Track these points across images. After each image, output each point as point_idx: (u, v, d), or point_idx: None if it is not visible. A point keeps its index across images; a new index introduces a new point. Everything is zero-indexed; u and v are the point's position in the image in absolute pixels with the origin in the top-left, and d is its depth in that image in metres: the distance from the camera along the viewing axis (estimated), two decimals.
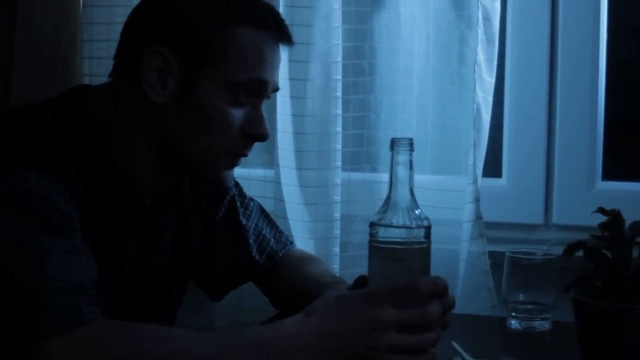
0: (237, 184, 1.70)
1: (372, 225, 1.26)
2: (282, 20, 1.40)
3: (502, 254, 1.64)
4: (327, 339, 1.17)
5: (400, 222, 1.24)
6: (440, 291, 1.22)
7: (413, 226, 1.24)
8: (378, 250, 1.25)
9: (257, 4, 1.38)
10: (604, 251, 1.24)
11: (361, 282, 1.36)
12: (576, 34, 1.99)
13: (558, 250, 1.55)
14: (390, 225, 1.24)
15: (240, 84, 1.34)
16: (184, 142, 1.35)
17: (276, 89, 1.42)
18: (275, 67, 1.39)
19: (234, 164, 1.42)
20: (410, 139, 1.27)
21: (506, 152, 2.05)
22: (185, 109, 1.33)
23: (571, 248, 1.25)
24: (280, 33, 1.39)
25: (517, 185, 2.04)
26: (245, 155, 1.42)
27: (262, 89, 1.38)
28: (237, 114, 1.35)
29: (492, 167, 2.03)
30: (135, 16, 1.39)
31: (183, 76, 1.33)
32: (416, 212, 1.25)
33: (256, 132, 1.37)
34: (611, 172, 2.03)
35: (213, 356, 1.16)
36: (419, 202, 1.26)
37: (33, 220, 1.19)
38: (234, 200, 1.66)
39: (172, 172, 1.40)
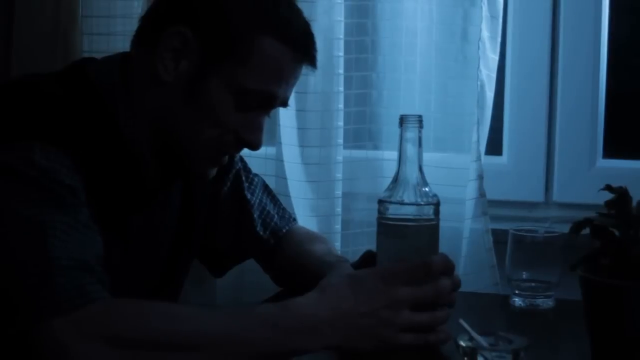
0: (241, 159, 1.67)
1: (381, 202, 1.26)
2: (313, 43, 1.38)
3: (503, 231, 1.64)
4: (343, 317, 1.17)
5: (410, 199, 1.24)
6: (450, 269, 1.23)
7: (422, 203, 1.24)
8: (387, 227, 1.25)
9: (294, 20, 1.35)
10: (610, 229, 1.24)
11: (369, 257, 1.36)
12: (578, 12, 1.98)
13: (559, 228, 1.56)
14: (400, 202, 1.24)
15: (250, 92, 1.32)
16: (176, 126, 1.33)
17: (284, 105, 1.40)
18: (290, 85, 1.38)
19: (218, 160, 1.40)
20: (420, 116, 1.27)
21: (507, 130, 2.05)
22: (189, 94, 1.31)
23: (578, 226, 1.23)
24: (307, 56, 1.36)
25: (518, 163, 2.04)
26: (232, 155, 1.40)
27: (270, 102, 1.36)
28: (237, 117, 1.33)
29: (493, 144, 2.02)
30: None
31: (198, 63, 1.31)
32: (425, 189, 1.25)
33: (249, 139, 1.35)
34: (612, 150, 2.03)
35: (222, 335, 1.15)
36: None
37: (37, 195, 1.18)
38: (239, 175, 1.65)
39: (162, 156, 1.37)
